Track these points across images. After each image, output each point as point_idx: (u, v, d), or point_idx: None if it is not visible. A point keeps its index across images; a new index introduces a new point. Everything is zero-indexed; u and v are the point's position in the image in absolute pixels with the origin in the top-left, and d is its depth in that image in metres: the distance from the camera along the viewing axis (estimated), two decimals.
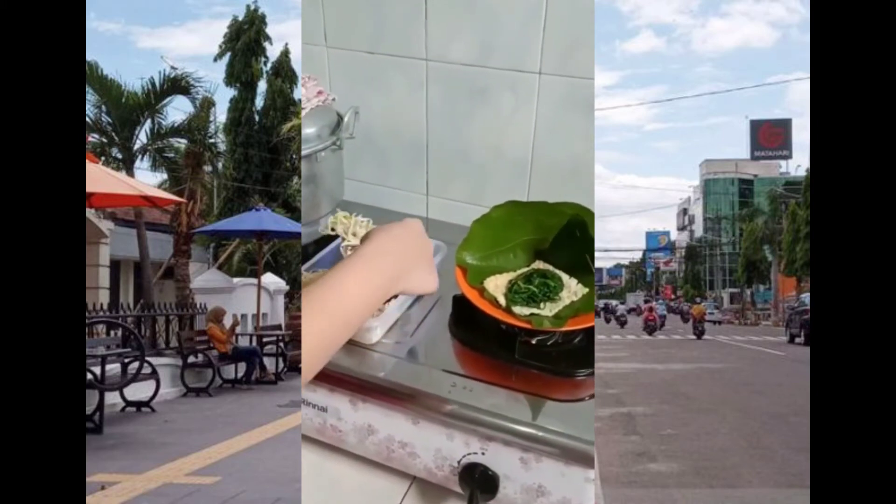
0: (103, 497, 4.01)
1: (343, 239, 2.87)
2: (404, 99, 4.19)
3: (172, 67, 15.05)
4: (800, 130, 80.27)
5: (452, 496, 2.65)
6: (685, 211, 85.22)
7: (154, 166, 14.92)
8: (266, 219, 10.55)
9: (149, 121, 13.58)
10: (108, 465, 4.78)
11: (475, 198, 4.21)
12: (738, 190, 72.39)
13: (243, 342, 9.91)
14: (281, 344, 10.32)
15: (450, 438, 2.51)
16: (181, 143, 14.34)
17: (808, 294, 22.03)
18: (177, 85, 13.35)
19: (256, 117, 22.76)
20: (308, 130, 3.73)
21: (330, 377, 2.67)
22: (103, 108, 13.21)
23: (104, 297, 13.11)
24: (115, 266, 16.92)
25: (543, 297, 2.83)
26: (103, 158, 12.51)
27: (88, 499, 3.89)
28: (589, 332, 2.84)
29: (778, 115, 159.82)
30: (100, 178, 6.28)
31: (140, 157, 13.93)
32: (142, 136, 13.79)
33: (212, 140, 14.55)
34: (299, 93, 14.75)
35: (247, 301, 10.55)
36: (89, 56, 16.60)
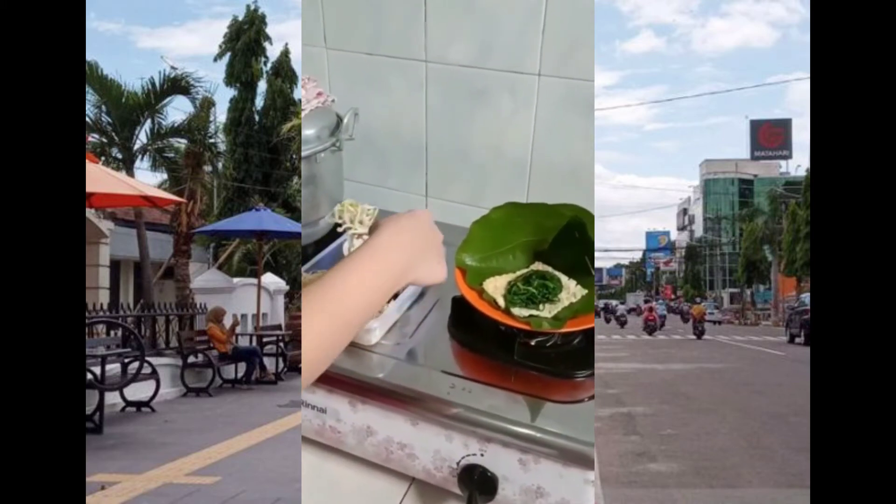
0: (103, 497, 4.01)
1: (349, 227, 2.86)
2: (404, 100, 4.19)
3: (172, 67, 15.07)
4: (800, 130, 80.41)
5: (451, 497, 2.65)
6: (685, 211, 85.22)
7: (154, 166, 14.93)
8: (266, 219, 10.55)
9: (149, 121, 13.58)
10: (108, 465, 4.78)
11: (474, 199, 4.21)
12: (738, 190, 72.40)
13: (243, 342, 9.91)
14: (281, 344, 10.32)
15: (449, 440, 2.51)
16: (181, 143, 14.34)
17: (808, 294, 22.04)
18: (177, 85, 13.35)
19: (256, 117, 22.76)
20: (308, 132, 3.73)
21: (329, 378, 2.67)
22: (103, 108, 13.21)
23: (104, 297, 13.11)
24: (115, 266, 16.92)
25: (542, 299, 2.84)
26: (103, 158, 12.51)
27: (88, 499, 3.89)
28: (588, 334, 2.84)
29: (778, 115, 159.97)
30: (100, 178, 6.28)
31: (140, 157, 13.94)
32: (142, 136, 13.81)
33: (212, 140, 14.56)
34: (299, 93, 14.76)
35: (247, 301, 10.56)
36: (89, 56, 16.62)
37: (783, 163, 67.20)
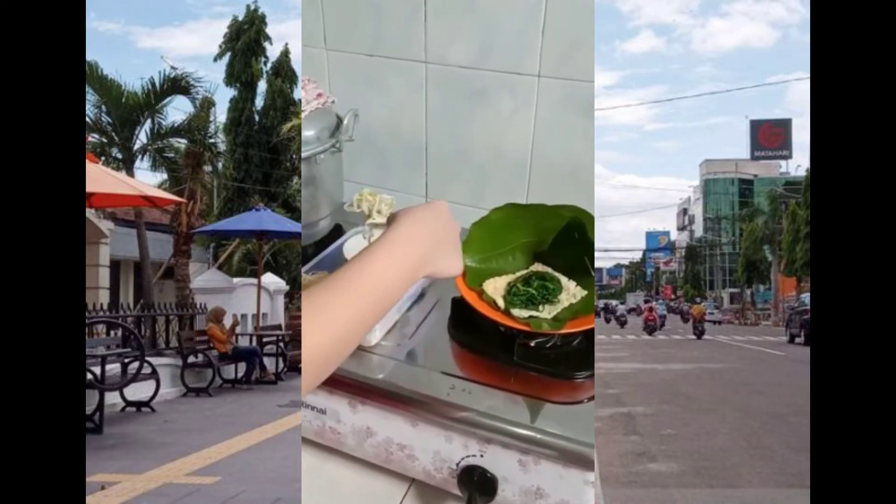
0: (103, 497, 4.01)
1: (367, 216, 2.86)
2: (403, 101, 4.19)
3: (172, 67, 15.08)
4: (800, 130, 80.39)
5: (451, 498, 2.65)
6: (685, 211, 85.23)
7: (154, 166, 14.94)
8: (266, 219, 10.56)
9: (149, 121, 13.59)
10: (108, 465, 4.78)
11: (474, 200, 4.21)
12: (738, 190, 72.41)
13: (243, 342, 9.91)
14: (281, 344, 10.32)
15: (448, 440, 2.51)
16: (181, 143, 14.35)
17: (808, 294, 22.03)
18: (177, 85, 13.35)
19: (256, 117, 22.77)
20: (307, 133, 3.73)
21: (329, 379, 2.66)
22: (103, 108, 13.22)
23: (104, 297, 13.11)
24: (115, 266, 16.92)
25: (542, 300, 2.83)
26: (103, 158, 12.51)
27: (88, 499, 3.89)
28: (588, 335, 2.84)
29: (778, 115, 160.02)
30: (100, 178, 6.28)
31: (140, 157, 13.95)
32: (142, 136, 13.82)
33: (212, 140, 14.57)
34: (299, 93, 14.75)
35: (247, 301, 10.56)
36: (89, 56, 16.61)
37: (783, 163, 67.27)
